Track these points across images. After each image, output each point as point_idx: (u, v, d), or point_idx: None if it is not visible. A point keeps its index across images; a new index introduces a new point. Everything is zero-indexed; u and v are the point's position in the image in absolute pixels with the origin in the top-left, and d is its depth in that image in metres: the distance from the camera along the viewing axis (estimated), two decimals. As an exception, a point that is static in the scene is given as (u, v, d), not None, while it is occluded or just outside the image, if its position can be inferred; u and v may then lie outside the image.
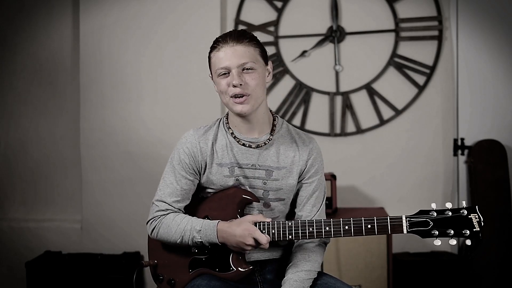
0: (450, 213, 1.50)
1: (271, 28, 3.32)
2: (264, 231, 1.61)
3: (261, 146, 1.70)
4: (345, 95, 3.30)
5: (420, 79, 3.25)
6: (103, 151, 3.36)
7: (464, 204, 1.54)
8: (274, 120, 1.76)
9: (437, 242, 1.51)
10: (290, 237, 1.60)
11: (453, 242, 1.53)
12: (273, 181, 1.70)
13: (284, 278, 1.66)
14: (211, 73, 1.71)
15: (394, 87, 3.27)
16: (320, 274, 1.71)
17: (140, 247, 3.29)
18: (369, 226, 1.53)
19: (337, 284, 1.68)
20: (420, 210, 1.53)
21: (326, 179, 2.86)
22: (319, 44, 3.30)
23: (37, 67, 3.51)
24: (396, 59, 3.25)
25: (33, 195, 3.56)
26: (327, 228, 1.55)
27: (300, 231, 1.58)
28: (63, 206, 3.53)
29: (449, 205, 1.51)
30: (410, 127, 3.28)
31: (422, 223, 1.51)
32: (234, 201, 1.68)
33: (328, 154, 2.99)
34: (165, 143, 3.24)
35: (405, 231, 1.52)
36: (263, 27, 3.31)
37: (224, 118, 1.76)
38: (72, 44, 3.46)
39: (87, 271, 3.16)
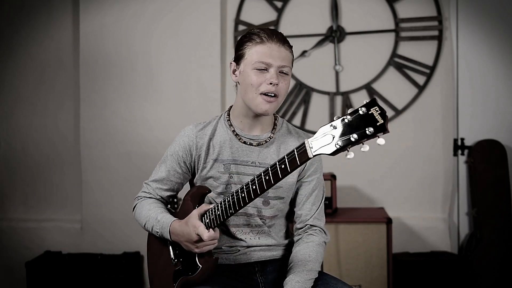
0: (349, 117, 1.31)
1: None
2: (212, 216, 1.58)
3: (262, 144, 1.71)
4: (345, 95, 3.30)
5: (420, 79, 3.25)
6: (103, 151, 3.36)
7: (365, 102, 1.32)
8: (275, 119, 1.77)
9: (350, 155, 1.35)
10: (231, 211, 1.55)
11: (366, 148, 1.35)
12: None
13: (286, 279, 1.64)
14: (238, 60, 1.66)
15: (394, 87, 3.27)
16: (321, 274, 1.71)
17: (140, 247, 3.28)
18: (283, 166, 1.42)
19: (338, 284, 1.67)
20: (321, 128, 1.36)
21: (326, 179, 2.89)
22: (319, 44, 3.30)
23: (37, 67, 3.51)
24: (396, 59, 3.25)
25: (33, 195, 3.55)
26: (254, 187, 1.49)
27: (236, 202, 1.54)
28: (63, 206, 3.53)
29: (350, 110, 1.33)
30: (410, 127, 3.28)
31: (325, 140, 1.33)
32: (193, 198, 1.68)
33: (328, 154, 3.02)
34: (164, 143, 3.20)
35: (310, 154, 1.36)
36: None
37: (226, 114, 1.76)
38: (72, 44, 3.46)
39: (87, 271, 3.16)
